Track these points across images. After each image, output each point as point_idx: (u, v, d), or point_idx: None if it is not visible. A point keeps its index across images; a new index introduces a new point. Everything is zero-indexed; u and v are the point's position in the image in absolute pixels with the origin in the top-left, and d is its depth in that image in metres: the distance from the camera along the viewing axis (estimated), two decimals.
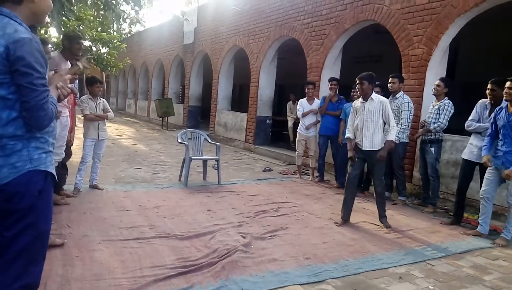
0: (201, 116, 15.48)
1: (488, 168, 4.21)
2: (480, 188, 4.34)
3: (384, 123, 4.51)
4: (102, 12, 7.16)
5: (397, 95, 5.59)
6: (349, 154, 4.65)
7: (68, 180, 5.04)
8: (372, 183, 4.71)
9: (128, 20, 7.50)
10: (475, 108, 4.66)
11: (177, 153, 9.11)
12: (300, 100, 7.15)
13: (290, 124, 11.18)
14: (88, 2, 7.10)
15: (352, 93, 5.93)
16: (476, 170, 4.62)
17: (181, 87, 17.86)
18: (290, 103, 11.50)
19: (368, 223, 4.58)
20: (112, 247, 3.38)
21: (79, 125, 6.31)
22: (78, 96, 5.24)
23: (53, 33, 14.44)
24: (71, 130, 4.77)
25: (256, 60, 10.60)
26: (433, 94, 5.37)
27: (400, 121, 5.45)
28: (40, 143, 1.73)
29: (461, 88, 9.08)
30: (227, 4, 12.03)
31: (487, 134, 4.27)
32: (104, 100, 5.44)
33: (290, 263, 3.27)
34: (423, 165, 5.46)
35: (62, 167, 4.72)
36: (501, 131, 4.09)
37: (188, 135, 6.50)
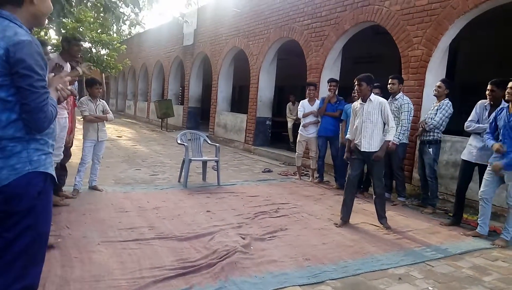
0: (200, 117, 15.48)
1: (487, 169, 4.22)
2: (479, 189, 4.34)
3: (384, 124, 4.52)
4: (102, 14, 7.17)
5: (397, 96, 5.60)
6: (345, 155, 4.73)
7: (67, 181, 5.04)
8: (372, 184, 4.72)
9: (127, 22, 7.52)
10: (474, 108, 4.66)
11: (177, 154, 9.11)
12: (302, 101, 7.15)
13: (289, 125, 11.18)
14: (88, 4, 7.11)
15: (352, 94, 5.94)
16: (475, 171, 4.63)
17: (180, 88, 17.86)
18: (289, 104, 11.50)
19: (368, 224, 4.58)
20: (111, 248, 3.38)
21: (79, 126, 6.32)
22: (77, 97, 5.25)
23: (53, 35, 14.46)
24: (71, 131, 4.78)
25: (256, 61, 10.61)
26: (434, 95, 5.38)
27: (400, 122, 5.46)
28: (39, 145, 1.73)
29: (460, 89, 9.08)
30: (226, 5, 12.05)
31: (486, 131, 4.26)
32: (103, 101, 5.44)
33: (290, 264, 3.27)
34: (422, 166, 5.47)
35: (62, 168, 4.72)
36: (501, 131, 4.09)
37: (188, 136, 6.50)
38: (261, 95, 10.56)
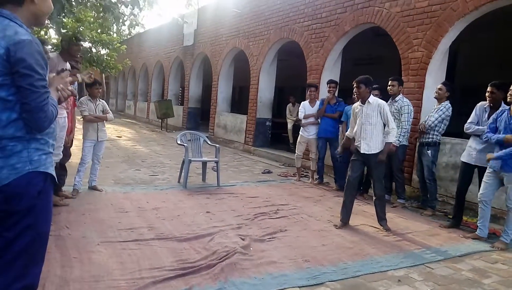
0: (200, 117, 15.48)
1: (486, 171, 4.21)
2: (479, 191, 4.34)
3: (384, 126, 4.51)
4: (101, 14, 7.17)
5: (397, 98, 5.60)
6: (339, 149, 4.70)
7: (67, 181, 5.04)
8: (372, 186, 4.71)
9: (127, 22, 7.52)
10: (474, 110, 4.66)
11: (177, 154, 9.10)
12: (302, 102, 7.15)
13: (289, 126, 11.18)
14: (88, 4, 7.11)
15: (353, 96, 5.93)
16: (475, 173, 4.63)
17: (180, 89, 17.86)
18: (289, 105, 11.50)
19: (368, 226, 4.58)
20: (111, 248, 3.37)
21: (79, 126, 6.31)
22: (77, 97, 5.25)
23: (53, 34, 14.45)
24: (71, 131, 4.77)
25: (256, 62, 10.61)
26: (435, 98, 5.38)
27: (400, 124, 5.46)
28: (40, 145, 1.73)
29: (460, 91, 9.08)
30: (227, 6, 12.05)
31: (486, 131, 4.24)
32: (103, 101, 5.44)
33: (289, 266, 3.27)
34: (421, 168, 5.47)
35: (61, 168, 4.72)
36: (501, 133, 4.09)
37: (188, 136, 6.50)
38: (261, 96, 10.56)
